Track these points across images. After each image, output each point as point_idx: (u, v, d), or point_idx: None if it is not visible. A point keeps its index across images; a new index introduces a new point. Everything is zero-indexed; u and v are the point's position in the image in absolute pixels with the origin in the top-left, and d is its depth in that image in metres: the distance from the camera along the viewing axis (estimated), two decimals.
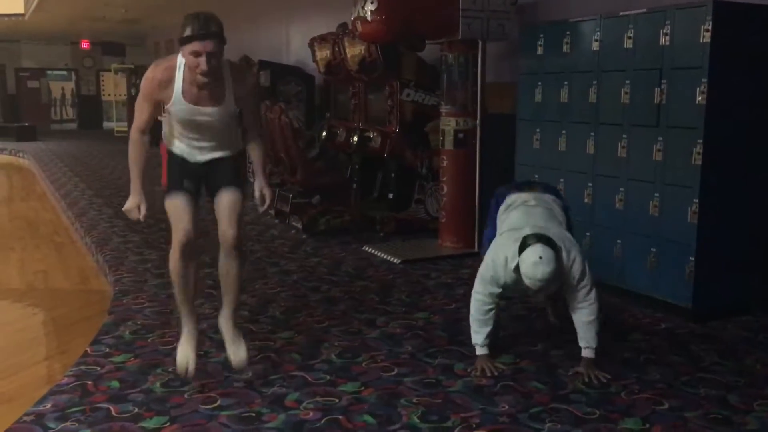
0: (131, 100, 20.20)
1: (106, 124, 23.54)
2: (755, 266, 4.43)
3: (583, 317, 3.45)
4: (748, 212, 4.34)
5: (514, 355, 3.73)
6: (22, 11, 16.63)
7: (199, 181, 3.40)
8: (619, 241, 4.66)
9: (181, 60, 3.07)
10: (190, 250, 3.31)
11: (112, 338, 4.00)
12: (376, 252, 6.03)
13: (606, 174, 4.74)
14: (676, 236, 4.27)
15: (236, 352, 3.36)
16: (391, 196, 7.23)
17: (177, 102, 3.13)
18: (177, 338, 3.48)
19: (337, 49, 7.57)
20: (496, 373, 3.48)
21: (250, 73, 3.47)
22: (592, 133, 4.81)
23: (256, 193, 3.47)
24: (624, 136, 4.57)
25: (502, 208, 3.81)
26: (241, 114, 3.39)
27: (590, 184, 4.86)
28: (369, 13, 5.41)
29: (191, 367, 3.28)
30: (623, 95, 4.54)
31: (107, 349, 3.82)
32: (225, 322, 3.44)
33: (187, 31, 2.95)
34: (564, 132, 5.06)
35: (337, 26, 7.90)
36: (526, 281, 3.22)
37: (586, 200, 4.88)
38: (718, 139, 4.10)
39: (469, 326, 3.63)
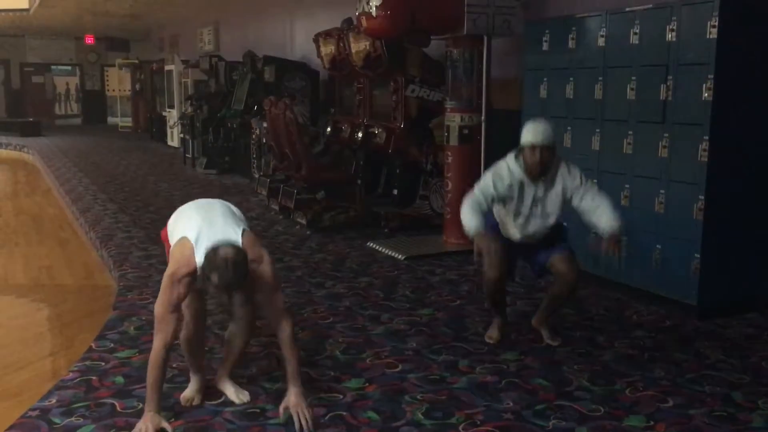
0: (135, 95, 20.26)
1: (110, 119, 23.56)
2: (761, 263, 4.41)
3: (604, 204, 3.57)
4: (754, 209, 4.32)
5: (519, 352, 3.73)
6: (26, 6, 16.64)
7: None
8: (624, 238, 4.62)
9: (199, 260, 2.84)
10: (200, 329, 3.29)
11: (117, 334, 4.00)
12: (380, 248, 6.02)
13: (611, 170, 4.72)
14: (682, 233, 4.26)
15: (240, 395, 3.25)
16: (395, 192, 7.23)
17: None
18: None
19: (341, 44, 7.56)
20: (499, 251, 3.58)
21: (265, 259, 3.11)
22: (598, 130, 4.80)
23: (282, 408, 2.98)
24: (630, 132, 4.55)
25: None
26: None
27: (596, 181, 4.82)
28: (374, 9, 5.40)
29: (195, 402, 3.22)
30: (629, 91, 4.52)
31: (112, 345, 3.83)
32: (224, 380, 3.30)
33: (213, 279, 2.74)
34: (569, 128, 5.04)
35: (341, 22, 7.88)
36: (527, 137, 3.52)
37: None
38: (724, 136, 4.08)
39: (474, 322, 3.62)
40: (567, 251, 3.75)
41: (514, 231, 3.75)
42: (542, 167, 3.56)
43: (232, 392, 3.23)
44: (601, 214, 3.55)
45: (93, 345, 3.84)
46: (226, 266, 2.73)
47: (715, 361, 3.65)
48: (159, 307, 2.90)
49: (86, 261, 6.53)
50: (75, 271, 6.29)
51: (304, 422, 2.87)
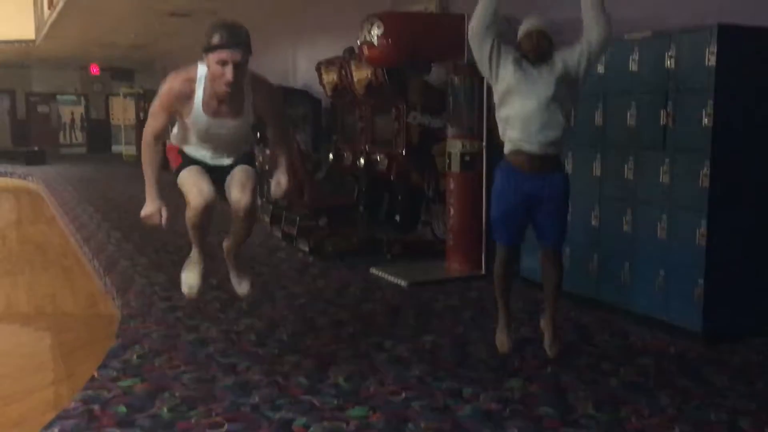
0: (140, 124, 20.36)
1: (114, 148, 23.67)
2: (765, 288, 4.39)
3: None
4: (757, 234, 4.32)
5: (523, 379, 3.71)
6: (32, 37, 16.82)
7: (211, 177, 3.37)
8: (627, 264, 4.64)
9: (201, 72, 3.00)
10: (209, 215, 3.31)
11: (120, 362, 3.99)
12: (383, 274, 6.02)
13: (613, 196, 4.73)
14: (685, 259, 4.26)
15: (239, 286, 3.71)
16: (398, 218, 7.24)
17: (196, 115, 3.10)
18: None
19: (343, 72, 7.62)
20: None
21: (271, 85, 3.37)
22: (599, 156, 4.82)
23: (273, 182, 3.43)
24: (630, 158, 4.57)
25: None
26: (261, 123, 3.38)
27: (597, 207, 4.85)
28: (375, 38, 5.47)
29: (195, 291, 3.36)
30: (629, 118, 4.55)
31: (115, 374, 3.82)
32: (230, 255, 3.62)
33: (215, 39, 2.87)
34: (570, 154, 5.06)
35: (343, 50, 7.96)
36: (522, 28, 3.74)
37: (593, 223, 4.88)
38: (725, 162, 4.10)
39: (476, 348, 3.60)
40: (556, 252, 3.93)
41: (531, 137, 3.73)
42: (540, 51, 3.69)
43: (234, 275, 3.63)
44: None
45: (95, 374, 3.82)
46: (225, 23, 2.90)
47: (721, 387, 3.62)
48: (154, 103, 3.07)
49: (89, 289, 6.54)
50: (78, 300, 6.29)
51: (283, 186, 3.33)
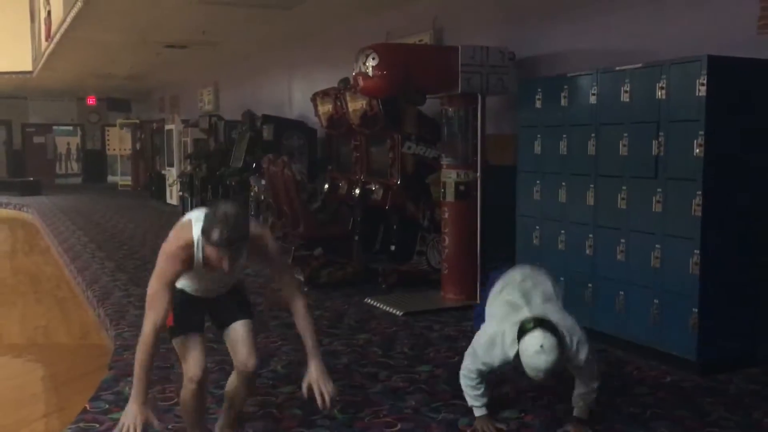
0: (135, 154, 20.45)
1: (110, 178, 23.71)
2: (760, 317, 4.39)
3: (584, 387, 3.36)
4: (750, 263, 4.33)
5: (519, 410, 3.69)
6: (29, 69, 16.92)
7: (204, 313, 3.22)
8: (621, 293, 4.65)
9: (196, 233, 2.85)
10: (204, 382, 3.14)
11: (112, 394, 3.96)
12: (378, 304, 6.01)
13: (607, 225, 4.75)
14: (679, 287, 4.26)
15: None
16: (393, 248, 7.24)
17: (193, 272, 2.97)
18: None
19: (338, 103, 7.69)
20: None
21: (264, 240, 3.12)
22: (592, 185, 4.85)
23: (304, 385, 3.04)
24: (624, 187, 4.60)
25: (494, 291, 3.57)
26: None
27: (591, 236, 4.87)
28: (370, 69, 5.50)
29: None
30: (621, 147, 4.59)
31: (106, 406, 3.79)
32: (228, 408, 3.30)
33: (214, 236, 2.71)
34: (564, 184, 5.09)
35: (338, 81, 8.03)
36: (528, 371, 3.03)
37: (587, 252, 4.89)
38: (717, 191, 4.13)
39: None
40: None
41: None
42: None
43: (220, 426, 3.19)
44: (578, 388, 3.37)
45: (87, 406, 3.79)
46: (227, 220, 2.69)
47: (717, 418, 3.61)
48: (152, 283, 2.85)
49: (83, 320, 6.50)
50: (71, 331, 6.25)
51: (327, 397, 2.87)
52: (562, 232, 5.09)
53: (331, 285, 6.74)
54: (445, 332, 5.20)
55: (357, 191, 7.35)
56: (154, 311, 2.83)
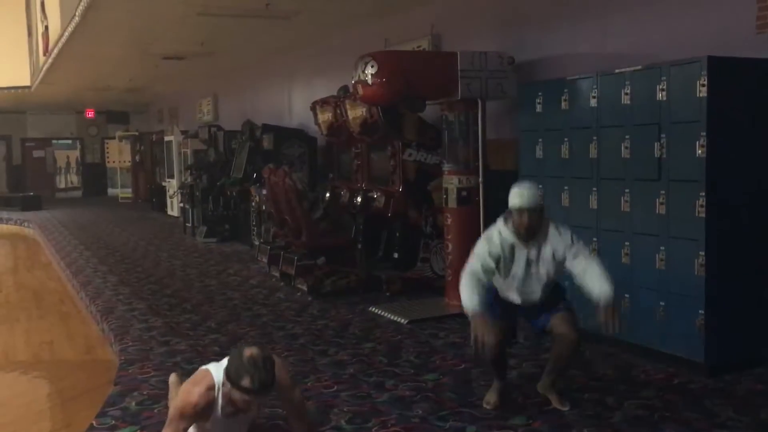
0: (135, 166, 20.46)
1: (110, 191, 23.72)
2: (767, 317, 4.38)
3: (594, 270, 3.55)
4: (756, 262, 4.32)
5: (527, 416, 3.68)
6: (28, 83, 16.94)
7: None
8: (627, 296, 4.63)
9: (218, 377, 2.83)
10: None
11: (118, 410, 3.95)
12: (383, 312, 5.99)
13: (610, 228, 4.74)
14: (684, 289, 4.25)
15: None
16: (396, 255, 7.22)
17: (214, 419, 2.94)
18: None
19: (338, 111, 7.67)
20: (493, 341, 3.49)
21: (280, 367, 3.08)
22: (595, 188, 4.84)
23: None
24: (626, 190, 4.59)
25: None
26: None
27: (595, 239, 4.86)
28: (369, 76, 5.50)
29: None
30: (623, 150, 4.58)
31: (113, 422, 3.77)
32: None
33: (245, 382, 2.68)
34: (566, 188, 5.08)
35: (338, 89, 8.03)
36: (514, 201, 3.56)
37: None
38: (720, 191, 4.12)
39: (479, 386, 3.57)
40: (567, 312, 3.74)
41: (513, 295, 3.75)
42: (530, 230, 3.60)
43: None
44: (591, 278, 3.55)
45: (94, 422, 3.78)
46: (256, 364, 2.63)
47: (725, 419, 3.59)
48: (172, 416, 2.82)
49: (87, 335, 6.48)
50: (76, 346, 6.24)
51: None
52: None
53: (335, 294, 6.73)
54: (450, 339, 5.19)
55: (359, 199, 7.33)
56: None
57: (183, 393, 2.89)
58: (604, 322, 3.47)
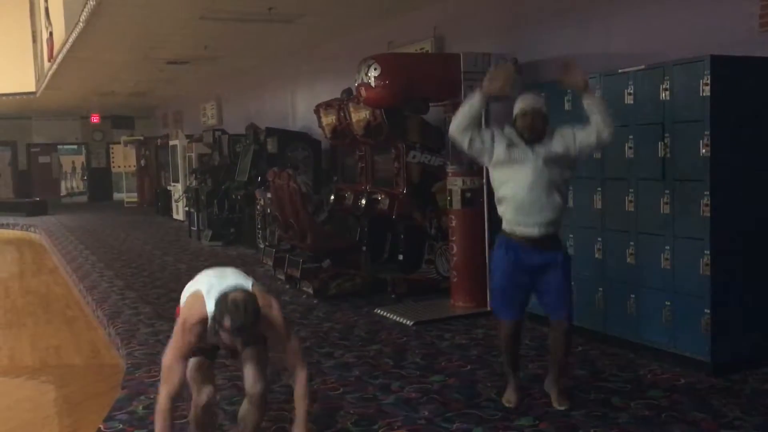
0: (140, 170, 20.52)
1: (116, 195, 23.78)
2: None
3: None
4: (762, 261, 4.31)
5: (534, 417, 3.67)
6: (33, 89, 17.01)
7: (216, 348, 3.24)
8: (632, 296, 4.63)
9: (210, 308, 2.91)
10: (211, 405, 3.25)
11: (126, 414, 3.96)
12: (388, 314, 6.00)
13: (615, 228, 4.74)
14: (690, 289, 4.24)
15: None
16: (401, 257, 7.23)
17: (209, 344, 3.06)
18: None
19: (342, 114, 7.69)
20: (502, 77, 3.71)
21: (274, 307, 3.17)
22: (599, 188, 4.83)
23: None
24: (631, 190, 4.59)
25: None
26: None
27: (600, 239, 4.85)
28: (372, 79, 5.52)
29: None
30: (627, 150, 4.58)
31: (121, 426, 3.79)
32: None
33: (226, 322, 2.78)
34: (571, 188, 5.05)
35: (341, 92, 8.04)
36: (519, 105, 3.72)
37: (596, 255, 4.87)
38: (725, 190, 4.11)
39: (485, 387, 3.58)
40: (566, 322, 3.76)
41: (523, 217, 3.68)
42: (534, 132, 3.67)
43: None
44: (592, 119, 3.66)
45: (101, 426, 3.79)
46: (237, 308, 2.76)
47: (732, 418, 3.58)
48: (167, 355, 2.92)
49: (93, 339, 6.50)
50: (82, 351, 6.25)
51: None
52: (571, 236, 5.07)
53: (341, 296, 6.73)
54: (456, 341, 5.19)
55: (363, 202, 7.34)
56: (169, 384, 2.89)
57: (181, 319, 2.97)
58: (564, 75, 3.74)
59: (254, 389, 3.14)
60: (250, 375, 3.16)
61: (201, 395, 3.14)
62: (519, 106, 3.75)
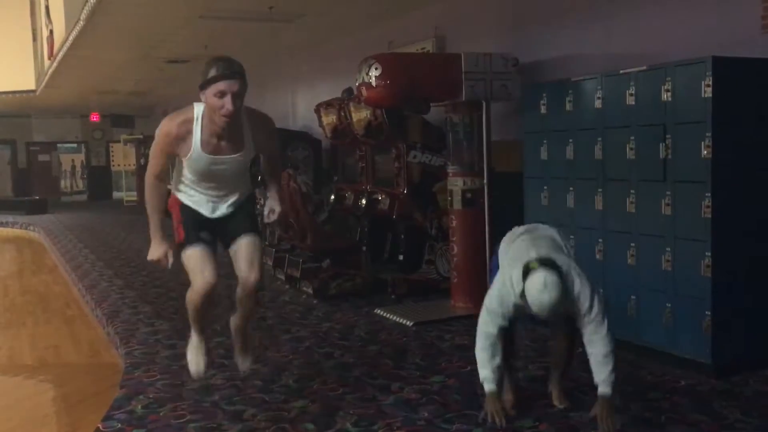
0: (140, 170, 20.50)
1: (115, 194, 23.78)
2: None
3: (597, 352, 3.34)
4: (763, 263, 4.30)
5: (533, 419, 3.66)
6: (33, 87, 17.00)
7: (215, 233, 3.37)
8: (633, 297, 4.62)
9: (198, 111, 3.01)
10: (211, 298, 3.31)
11: (124, 413, 3.94)
12: (388, 315, 5.99)
13: (616, 230, 4.73)
14: (691, 290, 4.23)
15: (241, 362, 3.81)
16: (401, 257, 7.22)
17: (196, 155, 3.08)
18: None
19: (342, 113, 7.68)
20: (504, 424, 3.41)
21: (269, 119, 3.40)
22: (600, 189, 4.83)
23: (266, 209, 3.56)
24: (632, 191, 4.58)
25: (504, 243, 3.71)
26: (257, 159, 3.42)
27: (600, 241, 4.85)
28: (373, 79, 5.50)
29: (202, 369, 3.55)
30: (629, 151, 4.57)
31: (119, 425, 3.77)
32: (238, 332, 3.64)
33: (212, 72, 2.91)
34: (572, 189, 5.07)
35: (342, 92, 8.04)
36: (533, 308, 3.19)
37: (597, 257, 4.86)
38: (726, 192, 4.10)
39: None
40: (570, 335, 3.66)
41: None
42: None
43: (238, 349, 3.67)
44: (596, 358, 3.35)
45: (100, 426, 3.78)
46: (220, 58, 2.98)
47: (733, 421, 3.57)
48: (153, 146, 3.08)
49: (93, 338, 6.49)
50: (81, 350, 6.24)
51: (276, 216, 3.53)
52: (571, 237, 5.05)
53: (341, 297, 6.72)
54: (456, 342, 5.18)
55: (363, 201, 7.33)
56: (153, 165, 3.11)
57: (161, 125, 3.09)
58: (599, 419, 3.34)
59: (248, 279, 3.26)
60: (244, 265, 3.26)
61: (202, 278, 3.22)
62: (533, 307, 3.20)
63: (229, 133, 3.06)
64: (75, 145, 24.95)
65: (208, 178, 3.18)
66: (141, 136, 20.92)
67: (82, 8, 8.10)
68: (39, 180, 23.89)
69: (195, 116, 3.02)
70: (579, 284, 3.30)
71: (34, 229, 16.08)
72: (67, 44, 10.39)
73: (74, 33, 9.45)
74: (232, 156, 3.10)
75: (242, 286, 3.33)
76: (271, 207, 3.64)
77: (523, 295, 3.21)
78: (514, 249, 3.54)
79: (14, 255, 13.47)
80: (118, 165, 22.45)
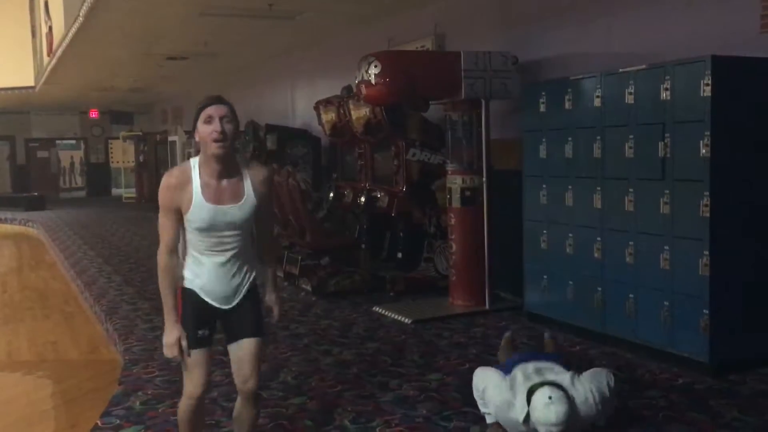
0: (139, 166, 20.51)
1: (114, 191, 23.74)
2: None
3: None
4: (760, 262, 4.31)
5: None
6: (32, 84, 16.98)
7: (215, 326, 3.12)
8: (631, 296, 4.63)
9: (194, 161, 2.96)
10: (203, 399, 3.12)
11: (123, 409, 3.95)
12: (386, 312, 5.99)
13: (615, 228, 4.73)
14: (689, 289, 4.24)
15: None
16: (400, 255, 7.23)
17: (197, 203, 2.92)
18: None
19: (342, 111, 7.69)
20: None
21: (267, 167, 3.30)
22: (599, 188, 4.83)
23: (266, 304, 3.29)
24: (630, 189, 4.58)
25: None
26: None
27: (599, 239, 4.85)
28: (373, 76, 5.50)
29: None
30: (627, 150, 4.57)
31: (118, 421, 3.78)
32: None
33: (200, 105, 2.93)
34: (570, 187, 5.08)
35: (341, 89, 8.04)
36: (542, 429, 2.99)
37: (596, 255, 4.87)
38: (724, 191, 4.11)
39: None
40: None
41: None
42: None
43: None
44: None
45: (98, 422, 3.78)
46: (211, 95, 2.98)
47: (730, 419, 3.58)
48: (159, 217, 2.99)
49: (91, 335, 6.50)
50: (80, 346, 6.25)
51: (277, 317, 3.31)
52: (570, 235, 5.07)
53: (339, 294, 6.73)
54: (454, 339, 5.19)
55: (362, 199, 7.34)
56: (164, 237, 2.98)
57: (160, 185, 3.03)
58: None
59: (246, 384, 3.04)
60: (245, 369, 3.05)
61: (190, 385, 3.03)
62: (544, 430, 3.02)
63: (227, 171, 2.95)
64: (74, 141, 24.89)
65: (212, 233, 3.02)
66: (140, 133, 20.92)
67: (82, 5, 8.09)
68: (38, 176, 23.85)
69: (192, 165, 2.96)
70: (586, 386, 3.17)
71: (33, 225, 16.07)
72: (66, 41, 10.37)
73: (73, 29, 9.43)
74: (235, 204, 2.98)
75: (241, 393, 3.10)
76: (269, 305, 3.30)
77: (528, 419, 3.04)
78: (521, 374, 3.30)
79: (13, 251, 13.46)
80: (117, 162, 22.42)
